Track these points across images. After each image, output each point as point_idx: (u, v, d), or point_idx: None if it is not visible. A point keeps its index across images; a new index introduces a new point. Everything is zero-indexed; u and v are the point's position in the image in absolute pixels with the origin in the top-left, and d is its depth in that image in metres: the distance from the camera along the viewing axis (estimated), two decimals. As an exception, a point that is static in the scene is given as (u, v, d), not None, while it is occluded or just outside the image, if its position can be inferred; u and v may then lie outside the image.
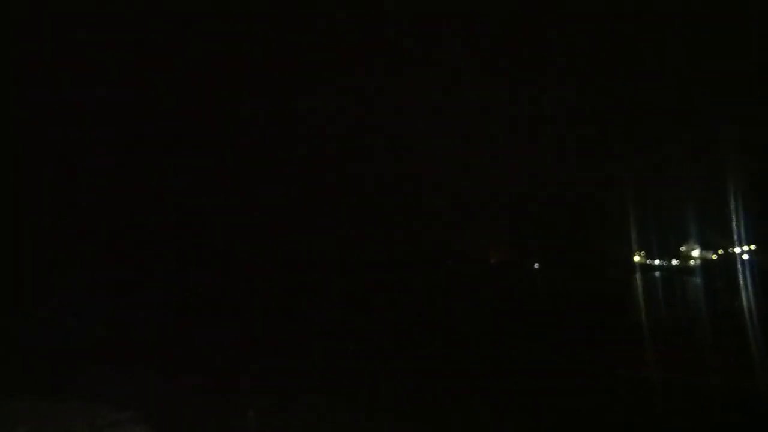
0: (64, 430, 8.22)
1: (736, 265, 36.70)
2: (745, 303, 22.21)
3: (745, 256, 38.05)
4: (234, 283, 33.27)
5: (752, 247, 38.29)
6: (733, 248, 41.62)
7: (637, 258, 55.55)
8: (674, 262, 58.96)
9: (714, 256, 53.51)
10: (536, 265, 63.41)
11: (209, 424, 9.07)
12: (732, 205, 29.33)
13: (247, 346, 16.42)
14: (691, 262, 55.90)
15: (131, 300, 24.80)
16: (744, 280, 30.69)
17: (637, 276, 47.04)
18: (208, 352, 15.19)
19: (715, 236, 48.52)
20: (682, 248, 58.64)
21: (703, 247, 55.96)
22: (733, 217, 30.40)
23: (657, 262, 58.29)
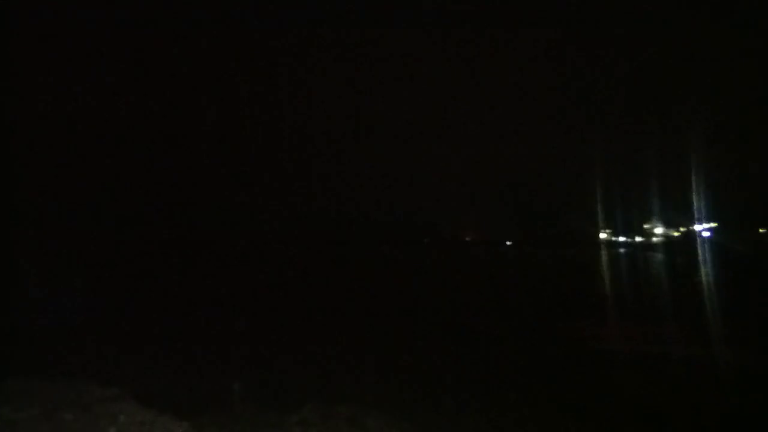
0: (51, 407, 8.23)
1: (696, 241, 38.34)
2: (704, 278, 23.27)
3: (706, 234, 39.75)
4: (217, 262, 33.29)
5: (712, 224, 39.99)
6: (694, 226, 43.29)
7: (603, 235, 57.15)
8: (638, 239, 60.83)
9: (676, 234, 55.45)
10: (508, 243, 65.00)
11: (197, 398, 9.26)
12: (693, 185, 30.46)
13: (235, 323, 16.60)
14: (654, 239, 57.79)
15: (120, 278, 24.63)
16: (704, 256, 32.08)
17: (603, 252, 48.43)
18: (196, 329, 15.33)
19: (677, 215, 50.33)
20: (646, 226, 60.51)
21: (666, 225, 57.88)
22: (694, 197, 31.61)
23: (622, 239, 60.05)
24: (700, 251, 34.16)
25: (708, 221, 38.72)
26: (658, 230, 59.14)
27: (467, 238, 66.24)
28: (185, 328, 15.42)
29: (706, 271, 25.12)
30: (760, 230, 42.79)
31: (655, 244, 54.02)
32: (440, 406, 9.58)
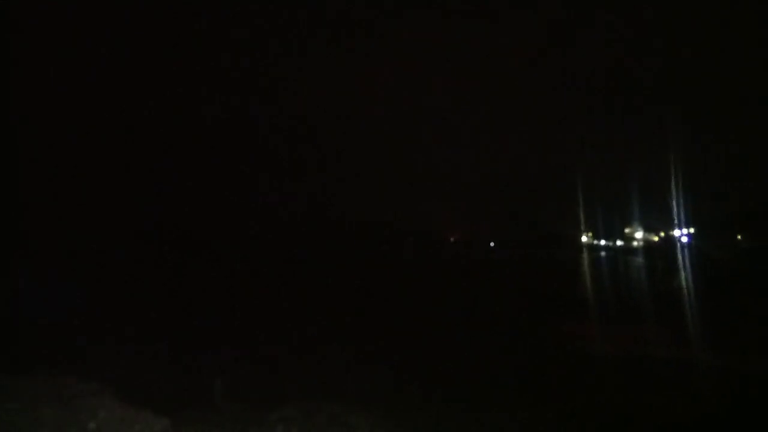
0: (30, 402, 8.10)
1: (676, 246, 39.10)
2: (683, 282, 23.67)
3: (684, 239, 40.54)
4: (202, 259, 33.10)
5: (691, 230, 40.79)
6: (673, 231, 44.15)
7: (584, 238, 57.95)
8: (619, 243, 61.77)
9: (656, 238, 56.46)
10: (491, 244, 65.76)
11: (178, 394, 9.19)
12: (673, 192, 31.04)
13: (218, 318, 16.52)
14: (635, 244, 58.74)
15: (111, 274, 24.36)
16: (683, 261, 32.68)
17: (585, 255, 49.04)
18: (182, 326, 15.21)
19: (657, 220, 51.22)
20: (627, 230, 61.50)
21: (646, 230, 58.87)
22: (674, 203, 32.21)
23: (603, 242, 60.94)
24: (679, 256, 34.80)
25: (687, 227, 39.48)
26: (638, 235, 60.10)
27: (452, 239, 67.16)
28: (171, 325, 15.31)
29: (685, 276, 25.56)
30: (738, 237, 43.69)
31: (636, 249, 54.85)
32: (422, 404, 9.61)
